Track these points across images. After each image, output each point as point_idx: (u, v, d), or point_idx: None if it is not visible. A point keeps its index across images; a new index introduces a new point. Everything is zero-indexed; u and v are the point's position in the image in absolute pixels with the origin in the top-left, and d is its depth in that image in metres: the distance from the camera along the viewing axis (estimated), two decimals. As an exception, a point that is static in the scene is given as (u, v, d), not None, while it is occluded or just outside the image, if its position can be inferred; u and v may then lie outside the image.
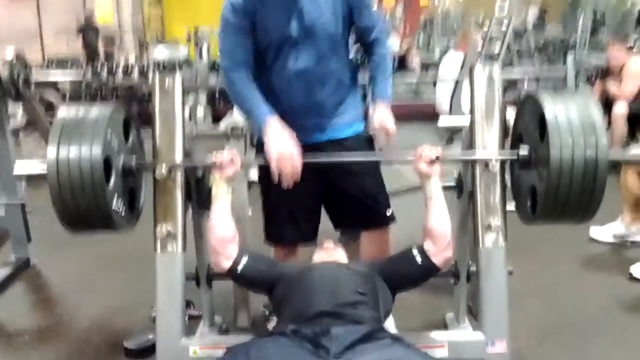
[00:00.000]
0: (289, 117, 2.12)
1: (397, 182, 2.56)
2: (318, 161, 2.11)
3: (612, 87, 5.42)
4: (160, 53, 9.89)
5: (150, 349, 2.10)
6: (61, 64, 9.55)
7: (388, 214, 2.34)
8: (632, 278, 3.23)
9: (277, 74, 2.14)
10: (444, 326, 2.66)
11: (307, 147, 2.11)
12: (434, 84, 9.29)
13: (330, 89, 2.19)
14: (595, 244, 3.76)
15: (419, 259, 1.91)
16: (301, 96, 2.16)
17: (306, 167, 2.07)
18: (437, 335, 1.98)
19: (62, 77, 7.53)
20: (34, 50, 11.52)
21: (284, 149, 1.99)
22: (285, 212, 2.30)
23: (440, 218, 1.92)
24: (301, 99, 2.17)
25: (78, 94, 8.72)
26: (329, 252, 2.12)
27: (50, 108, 6.44)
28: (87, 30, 10.76)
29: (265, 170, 2.21)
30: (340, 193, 2.30)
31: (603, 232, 3.77)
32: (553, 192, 1.75)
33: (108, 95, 8.47)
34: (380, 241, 2.35)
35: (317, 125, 2.21)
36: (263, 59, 2.14)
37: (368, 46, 2.24)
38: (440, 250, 1.90)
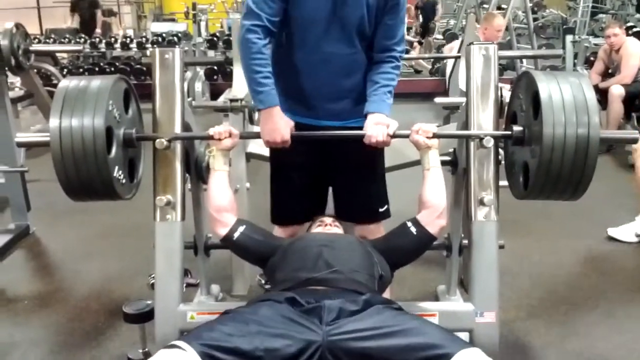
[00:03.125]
0: (306, 97, 2.15)
1: (394, 157, 2.60)
2: (307, 136, 2.15)
3: (611, 82, 5.51)
4: (158, 27, 9.87)
5: (149, 314, 2.14)
6: (59, 36, 9.52)
7: (381, 210, 2.35)
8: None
9: (305, 53, 2.11)
10: (435, 298, 2.73)
11: (318, 128, 2.16)
12: (433, 64, 9.33)
13: (355, 80, 2.17)
14: (587, 221, 3.82)
15: (413, 229, 1.95)
16: (326, 80, 2.14)
17: (314, 154, 2.18)
18: (428, 305, 2.03)
19: (62, 48, 7.51)
20: (32, 24, 11.45)
21: (276, 137, 2.04)
22: (293, 196, 2.32)
23: (436, 188, 1.97)
24: (325, 84, 2.15)
25: (76, 66, 8.73)
26: (328, 227, 2.17)
27: (48, 81, 6.45)
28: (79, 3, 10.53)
29: (273, 154, 2.28)
30: (339, 184, 2.34)
31: (624, 232, 3.58)
32: (545, 168, 1.80)
33: (106, 68, 8.47)
34: (371, 234, 2.35)
35: (333, 111, 2.19)
36: (294, 36, 2.10)
37: (380, 51, 2.16)
38: (434, 219, 1.95)
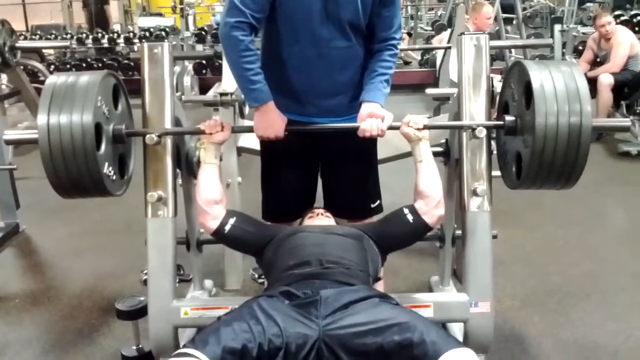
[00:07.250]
0: (300, 93, 2.11)
1: (386, 150, 2.59)
2: (301, 130, 2.12)
3: (600, 70, 5.52)
4: (145, 21, 9.81)
5: (142, 310, 2.13)
6: (45, 33, 9.45)
7: (373, 205, 2.34)
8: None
9: (300, 48, 2.06)
10: (429, 289, 2.73)
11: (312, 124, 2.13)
12: (422, 55, 9.34)
13: (350, 74, 2.13)
14: (579, 209, 3.83)
15: (410, 217, 1.94)
16: (321, 75, 2.10)
17: (307, 150, 2.16)
18: (422, 296, 2.03)
19: (48, 44, 7.44)
20: (17, 20, 11.36)
21: (270, 134, 2.04)
22: (285, 193, 2.30)
23: (430, 179, 1.96)
24: (320, 79, 2.10)
25: (63, 62, 8.66)
26: (320, 217, 2.17)
27: (35, 77, 6.38)
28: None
29: (265, 150, 2.26)
30: (332, 180, 2.32)
31: None
32: (538, 157, 1.79)
33: (93, 63, 8.40)
34: None
35: (328, 107, 2.15)
36: (286, 31, 2.05)
37: (379, 42, 2.13)
38: (431, 208, 1.93)
